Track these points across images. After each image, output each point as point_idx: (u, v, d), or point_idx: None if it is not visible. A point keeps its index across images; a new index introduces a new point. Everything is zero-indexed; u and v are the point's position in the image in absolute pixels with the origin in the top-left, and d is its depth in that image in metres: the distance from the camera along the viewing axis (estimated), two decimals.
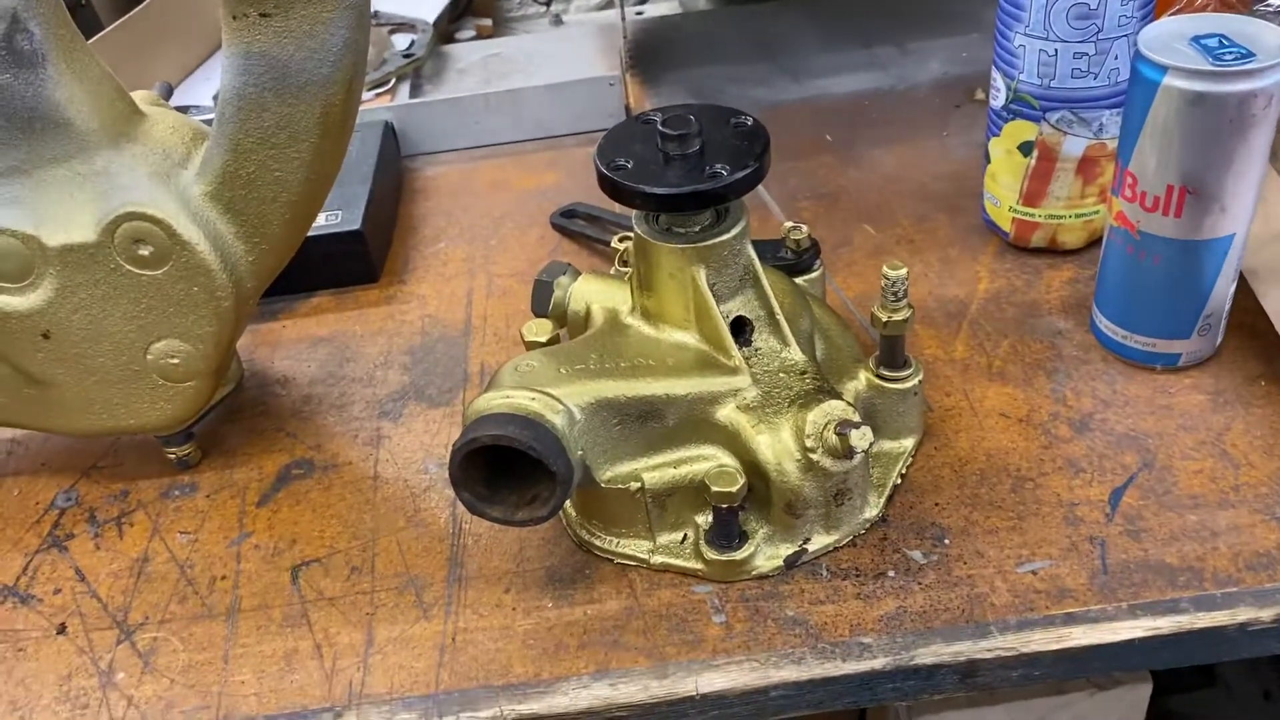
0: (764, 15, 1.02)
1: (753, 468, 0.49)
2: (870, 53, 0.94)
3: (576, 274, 0.58)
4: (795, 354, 0.51)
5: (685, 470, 0.50)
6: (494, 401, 0.47)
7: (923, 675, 0.46)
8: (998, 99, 0.64)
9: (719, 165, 0.48)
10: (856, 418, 0.48)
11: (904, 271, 0.51)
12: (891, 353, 0.53)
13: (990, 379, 0.59)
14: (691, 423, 0.50)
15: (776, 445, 0.48)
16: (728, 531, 0.49)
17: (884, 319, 0.51)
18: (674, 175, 0.48)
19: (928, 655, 0.46)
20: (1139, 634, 0.46)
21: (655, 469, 0.50)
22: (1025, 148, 0.63)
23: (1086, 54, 0.59)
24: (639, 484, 0.50)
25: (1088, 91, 0.60)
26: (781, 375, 0.51)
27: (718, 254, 0.50)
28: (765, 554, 0.50)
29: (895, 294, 0.51)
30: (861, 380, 0.53)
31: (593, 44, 0.94)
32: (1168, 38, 0.52)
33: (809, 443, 0.48)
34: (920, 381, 0.53)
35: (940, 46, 0.93)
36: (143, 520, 0.57)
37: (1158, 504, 0.51)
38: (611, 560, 0.52)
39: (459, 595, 0.51)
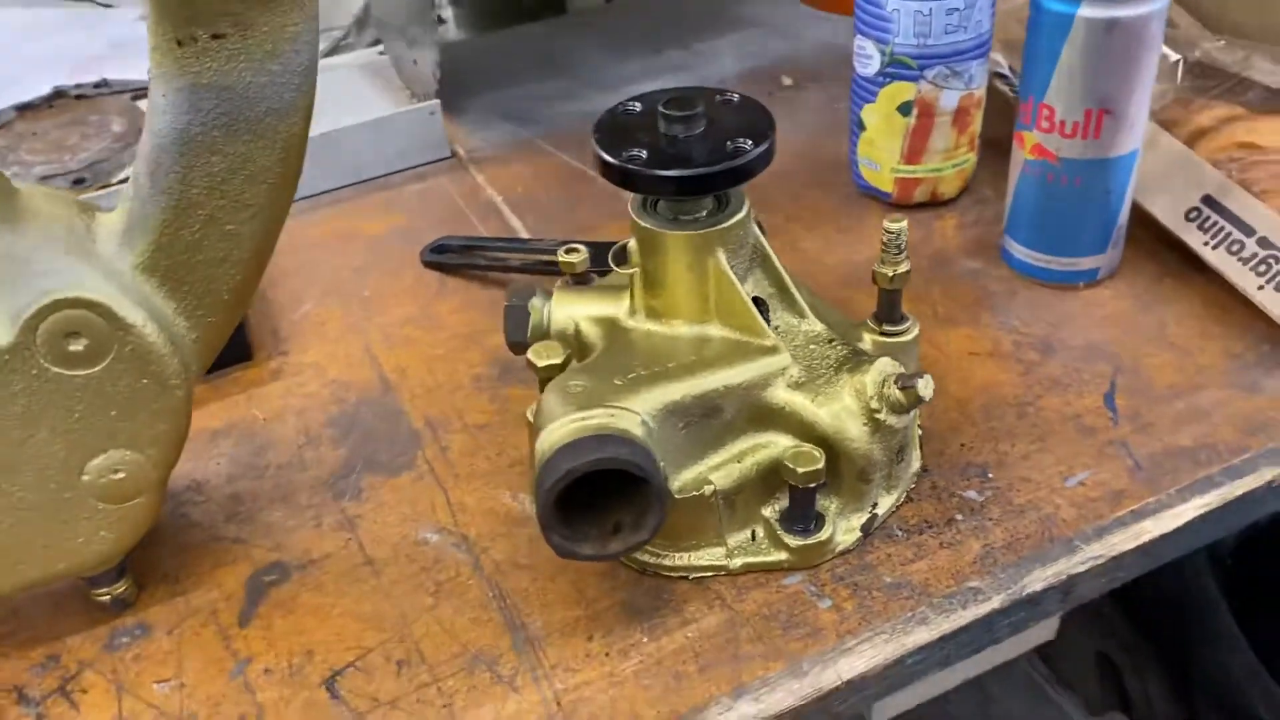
0: (543, 35, 1.00)
1: (819, 442, 0.47)
2: (663, 56, 0.95)
3: (546, 293, 0.54)
4: (815, 324, 0.51)
5: (750, 462, 0.48)
6: (570, 427, 0.42)
7: (1034, 603, 0.47)
8: (869, 66, 0.67)
9: (739, 140, 0.46)
10: (900, 368, 0.48)
11: (904, 223, 0.51)
12: (891, 308, 0.53)
13: (941, 325, 0.61)
14: (747, 412, 0.48)
15: (841, 414, 0.47)
16: (807, 514, 0.48)
17: (889, 274, 0.52)
18: (700, 155, 0.46)
19: (1036, 582, 0.47)
20: (1196, 513, 0.49)
21: (721, 468, 0.47)
22: (905, 108, 0.67)
23: (958, 9, 0.63)
24: (711, 486, 0.47)
25: (960, 45, 0.64)
26: (812, 347, 0.50)
27: (734, 235, 0.48)
28: (842, 528, 0.49)
29: (898, 247, 0.51)
30: (867, 340, 0.53)
31: (364, 80, 0.87)
32: None
33: (873, 404, 0.47)
34: (919, 330, 0.54)
35: (725, 45, 0.95)
36: (97, 682, 0.46)
37: (1146, 400, 0.55)
38: (686, 577, 0.48)
39: (539, 657, 0.45)
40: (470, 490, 0.54)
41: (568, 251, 0.57)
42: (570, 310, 0.52)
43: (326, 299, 0.69)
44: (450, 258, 0.71)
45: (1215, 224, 0.60)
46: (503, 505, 0.53)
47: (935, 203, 0.71)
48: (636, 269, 0.50)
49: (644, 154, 0.46)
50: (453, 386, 0.61)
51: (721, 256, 0.48)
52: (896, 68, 0.65)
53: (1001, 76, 0.72)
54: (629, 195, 0.49)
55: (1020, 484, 0.51)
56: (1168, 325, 0.59)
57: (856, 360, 0.48)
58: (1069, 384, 0.56)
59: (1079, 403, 0.55)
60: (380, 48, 0.91)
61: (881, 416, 0.47)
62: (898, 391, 0.47)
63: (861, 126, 0.69)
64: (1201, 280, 0.61)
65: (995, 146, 0.70)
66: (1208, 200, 0.60)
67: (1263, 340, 0.57)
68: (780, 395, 0.48)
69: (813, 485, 0.46)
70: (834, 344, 0.50)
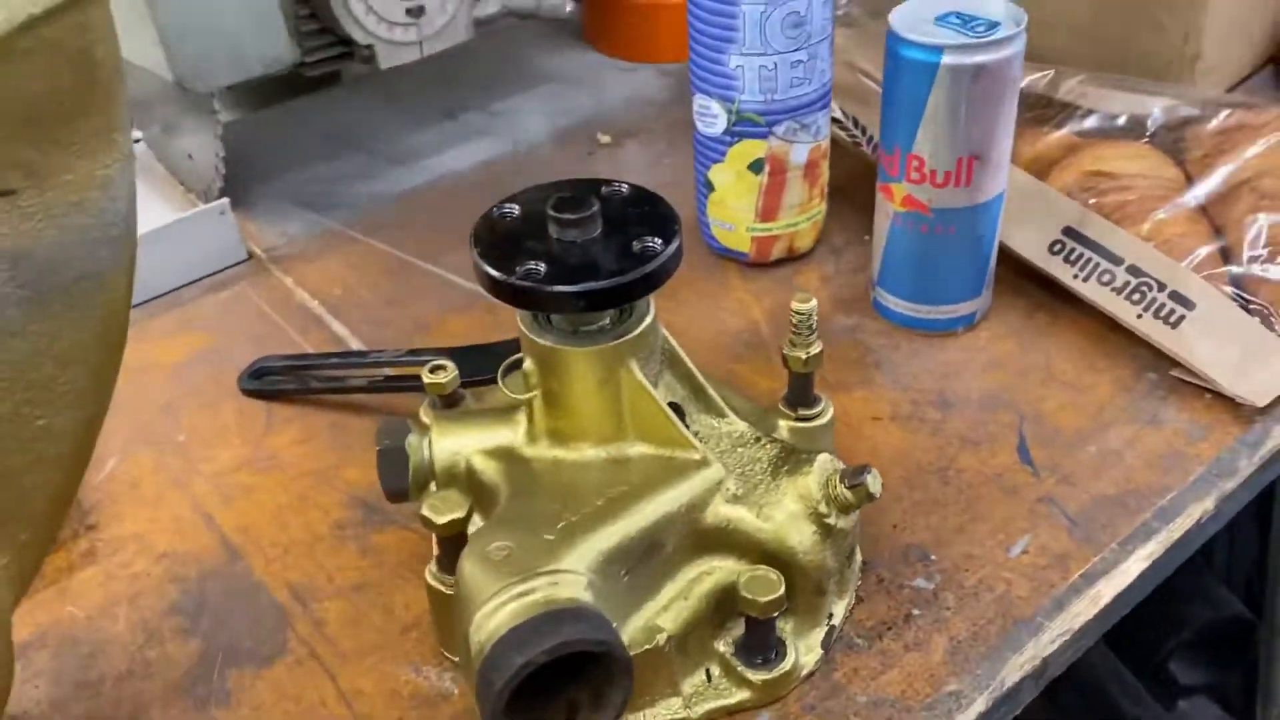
0: (323, 108, 0.91)
1: (768, 559, 0.43)
2: (460, 122, 0.88)
3: (419, 425, 0.47)
4: (737, 423, 0.46)
5: (698, 595, 0.42)
6: (510, 608, 0.36)
7: (1013, 696, 0.44)
8: (714, 125, 0.63)
9: (645, 238, 0.41)
10: (840, 464, 0.44)
11: (814, 303, 0.47)
12: (805, 391, 0.49)
13: (835, 391, 0.58)
14: (688, 540, 0.42)
15: (788, 525, 0.42)
16: (767, 643, 0.43)
17: (803, 357, 0.48)
18: (608, 262, 0.40)
19: (1012, 672, 0.44)
20: (1142, 565, 0.48)
21: (669, 609, 0.42)
22: (756, 166, 0.63)
23: (802, 61, 0.60)
24: (663, 633, 0.41)
25: (806, 97, 0.61)
26: (740, 451, 0.45)
27: (646, 343, 0.43)
28: (803, 650, 0.44)
29: (810, 328, 0.47)
30: (782, 428, 0.49)
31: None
32: (915, 23, 0.54)
33: (821, 508, 0.43)
34: (830, 419, 0.50)
35: (527, 104, 0.90)
36: None
37: (1058, 449, 0.53)
38: None
39: None
40: (363, 671, 0.46)
41: (433, 370, 0.50)
42: (456, 444, 0.45)
43: (133, 450, 0.58)
44: (274, 382, 0.61)
45: (1081, 255, 0.59)
46: (407, 683, 0.45)
47: (792, 258, 0.68)
48: (536, 392, 0.43)
49: (541, 267, 0.40)
50: (311, 541, 0.52)
51: (634, 367, 0.42)
52: (744, 125, 0.62)
53: (836, 121, 0.70)
54: (511, 308, 0.43)
55: (965, 562, 0.48)
56: (1053, 362, 0.59)
57: (791, 459, 0.44)
58: (979, 440, 0.54)
59: (995, 460, 0.53)
60: (135, 136, 0.80)
61: (831, 521, 0.43)
62: (845, 490, 0.42)
63: (710, 187, 0.65)
64: (1072, 311, 0.61)
65: (836, 191, 0.68)
66: (1069, 232, 0.60)
67: (1147, 368, 0.57)
68: (721, 513, 0.43)
69: (775, 614, 0.41)
70: (762, 443, 0.45)
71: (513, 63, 0.96)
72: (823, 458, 0.44)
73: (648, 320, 0.43)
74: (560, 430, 0.44)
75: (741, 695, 0.43)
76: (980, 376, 0.58)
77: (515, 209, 0.43)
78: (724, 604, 0.43)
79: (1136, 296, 0.57)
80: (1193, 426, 0.54)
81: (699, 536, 0.43)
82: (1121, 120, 0.64)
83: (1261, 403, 0.53)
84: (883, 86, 0.56)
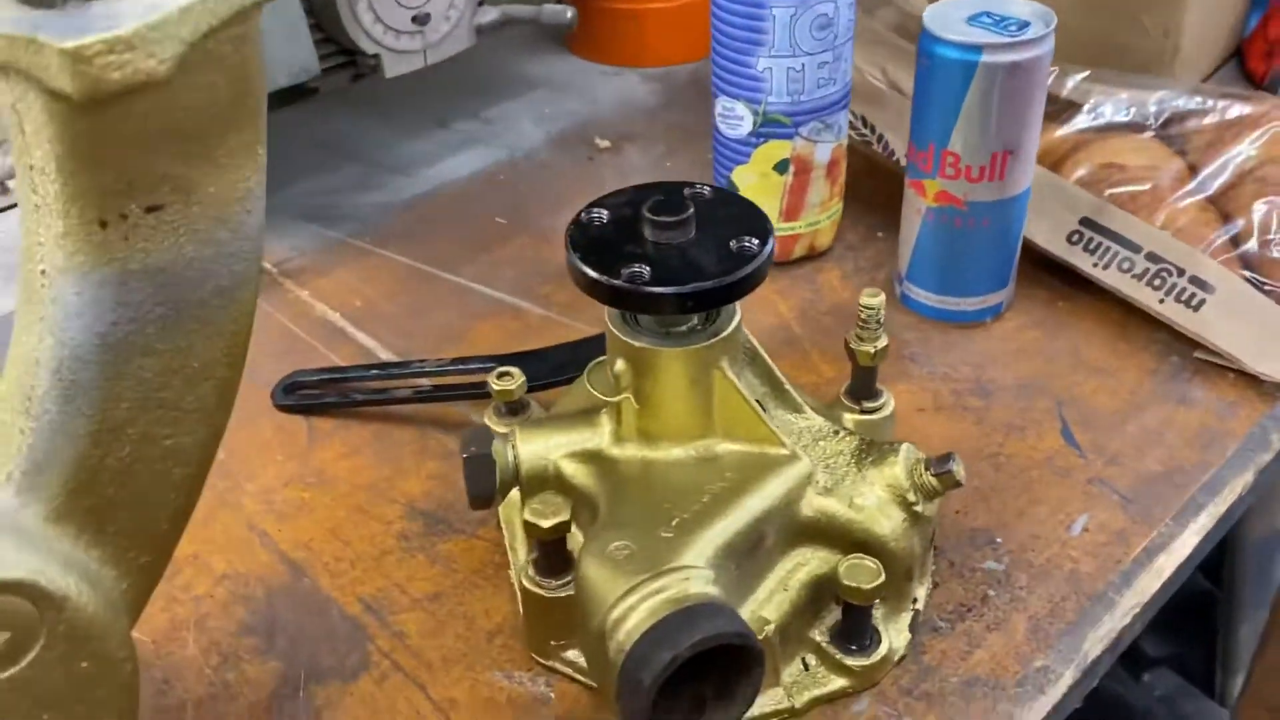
0: (311, 119, 0.90)
1: (858, 546, 0.44)
2: (453, 130, 0.87)
3: (500, 433, 0.47)
4: (814, 418, 0.47)
5: (796, 586, 0.43)
6: (647, 604, 0.36)
7: (1095, 669, 0.45)
8: (739, 128, 0.64)
9: (742, 238, 0.41)
10: (922, 453, 0.45)
11: (882, 297, 0.48)
12: (869, 383, 0.50)
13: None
14: (784, 532, 0.43)
15: (878, 513, 0.43)
16: (864, 630, 0.44)
17: (871, 350, 0.49)
18: (710, 263, 0.40)
19: (1093, 646, 0.45)
20: (1196, 538, 0.50)
21: (770, 600, 0.43)
22: (781, 166, 0.64)
23: (828, 62, 0.61)
24: (770, 625, 0.42)
25: (831, 97, 0.63)
26: (822, 444, 0.46)
27: (735, 343, 0.44)
28: (893, 635, 0.45)
29: (877, 321, 0.49)
30: (848, 420, 0.50)
31: None
32: (948, 23, 0.56)
33: (910, 496, 0.44)
34: (892, 410, 0.52)
35: (518, 111, 0.89)
36: None
37: (1100, 431, 0.55)
38: None
39: None
40: (452, 680, 0.46)
41: (500, 377, 0.50)
42: (542, 449, 0.46)
43: None
44: (310, 396, 0.61)
45: (1099, 245, 0.61)
46: (501, 690, 0.45)
47: (813, 256, 0.69)
48: (627, 393, 0.44)
49: (645, 270, 0.40)
50: (376, 554, 0.52)
51: (726, 367, 0.43)
52: (770, 127, 0.63)
53: None
54: (603, 307, 0.43)
55: (1031, 543, 0.50)
56: (1080, 349, 0.61)
57: (873, 451, 0.45)
58: (1024, 426, 0.56)
59: (1042, 445, 0.55)
60: None
61: (919, 508, 0.44)
62: (932, 479, 0.44)
63: (733, 188, 0.66)
64: (1090, 299, 0.63)
65: (846, 189, 0.69)
66: (1086, 222, 0.62)
67: (1169, 351, 0.60)
68: (815, 505, 0.44)
69: (875, 600, 0.42)
70: (841, 436, 0.46)
71: (498, 70, 0.96)
72: (906, 447, 0.45)
73: (736, 319, 0.43)
74: (649, 430, 0.44)
75: (840, 682, 0.44)
76: (1013, 365, 0.60)
77: (604, 213, 0.43)
78: (819, 594, 0.44)
79: (1157, 282, 0.59)
80: (1222, 404, 0.56)
81: (795, 528, 0.43)
82: (1125, 115, 0.67)
83: None
84: (915, 86, 0.57)
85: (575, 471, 0.45)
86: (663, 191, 0.43)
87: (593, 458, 0.45)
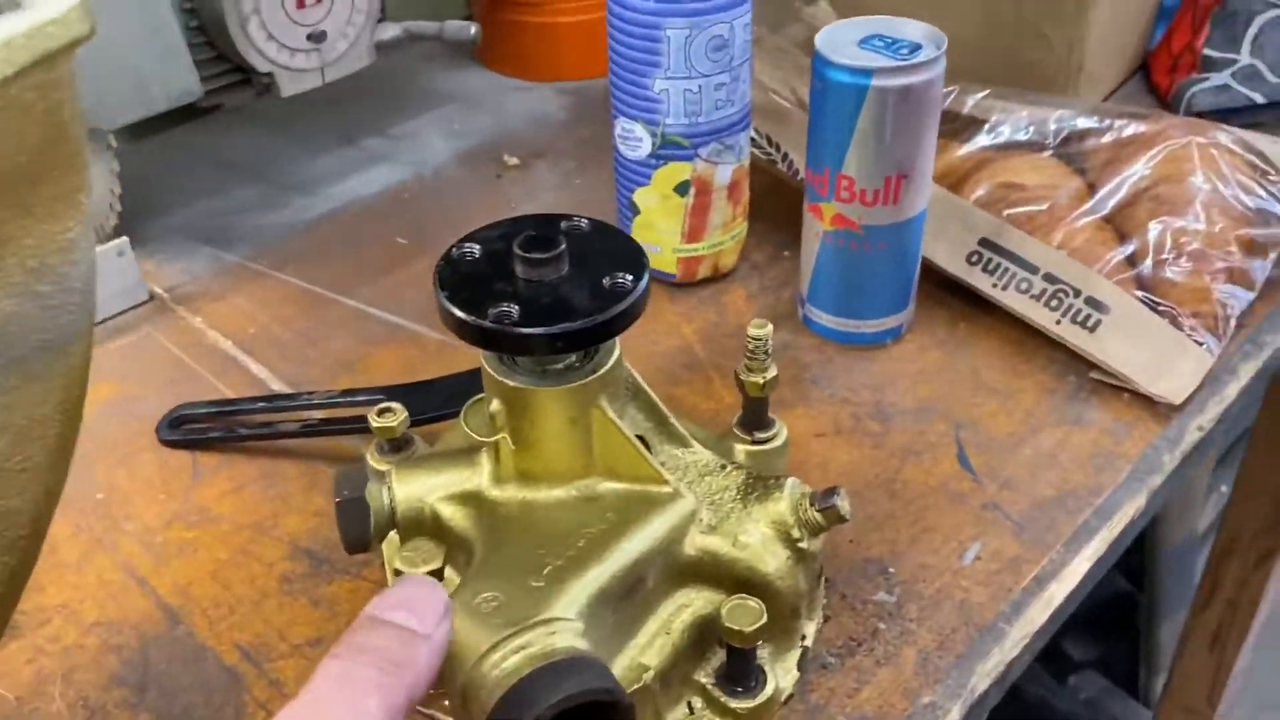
0: (211, 136, 0.87)
1: (742, 586, 0.43)
2: (358, 147, 0.86)
3: (375, 472, 0.45)
4: (702, 452, 0.46)
5: (679, 629, 0.42)
6: (511, 661, 0.35)
7: (982, 703, 0.45)
8: (639, 149, 0.63)
9: (615, 274, 0.40)
10: (807, 488, 0.44)
11: (769, 328, 0.48)
12: (760, 414, 0.50)
13: (776, 409, 0.58)
14: (665, 573, 0.42)
15: (763, 552, 0.43)
16: (749, 671, 0.43)
17: (760, 381, 0.48)
18: (582, 301, 0.39)
19: (980, 680, 0.45)
20: (1088, 564, 0.50)
21: (651, 645, 0.42)
22: (682, 188, 0.63)
23: (725, 84, 0.60)
24: (649, 672, 0.41)
25: (729, 119, 0.62)
26: (708, 480, 0.45)
27: (615, 378, 0.43)
28: (780, 674, 0.44)
29: (765, 352, 0.48)
30: (739, 452, 0.50)
31: None
32: (840, 46, 0.55)
33: (794, 532, 0.43)
34: (784, 440, 0.51)
35: (426, 126, 0.88)
36: None
37: (996, 454, 0.55)
38: None
39: None
40: None
41: (381, 413, 0.48)
42: (419, 490, 0.44)
43: None
44: (196, 430, 0.59)
45: (998, 265, 0.61)
46: None
47: (716, 277, 0.68)
48: (503, 433, 0.43)
49: (513, 309, 0.39)
50: (257, 598, 0.50)
51: (605, 404, 0.42)
52: (669, 148, 0.62)
53: (750, 140, 0.70)
54: (472, 348, 0.42)
55: (922, 572, 0.49)
56: (979, 371, 0.61)
57: (759, 486, 0.44)
58: (920, 450, 0.56)
59: (938, 470, 0.55)
60: None
61: (804, 544, 0.43)
62: (816, 514, 0.43)
63: (635, 210, 0.65)
64: (990, 319, 0.63)
65: (751, 206, 0.68)
66: (985, 243, 0.62)
67: (1067, 371, 0.60)
68: (698, 544, 0.43)
69: (758, 642, 0.41)
70: (728, 471, 0.45)
71: (407, 85, 0.94)
72: (792, 482, 0.44)
73: (615, 355, 0.42)
74: (528, 470, 0.43)
75: None
76: (913, 387, 0.60)
77: (476, 248, 0.42)
78: (704, 635, 0.43)
79: (1054, 303, 0.60)
80: (1116, 425, 0.56)
81: (677, 569, 0.43)
82: (1024, 134, 0.67)
83: (1178, 400, 0.56)
84: (810, 109, 0.57)
85: (453, 514, 0.43)
86: (536, 226, 0.42)
87: (471, 499, 0.44)
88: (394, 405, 0.48)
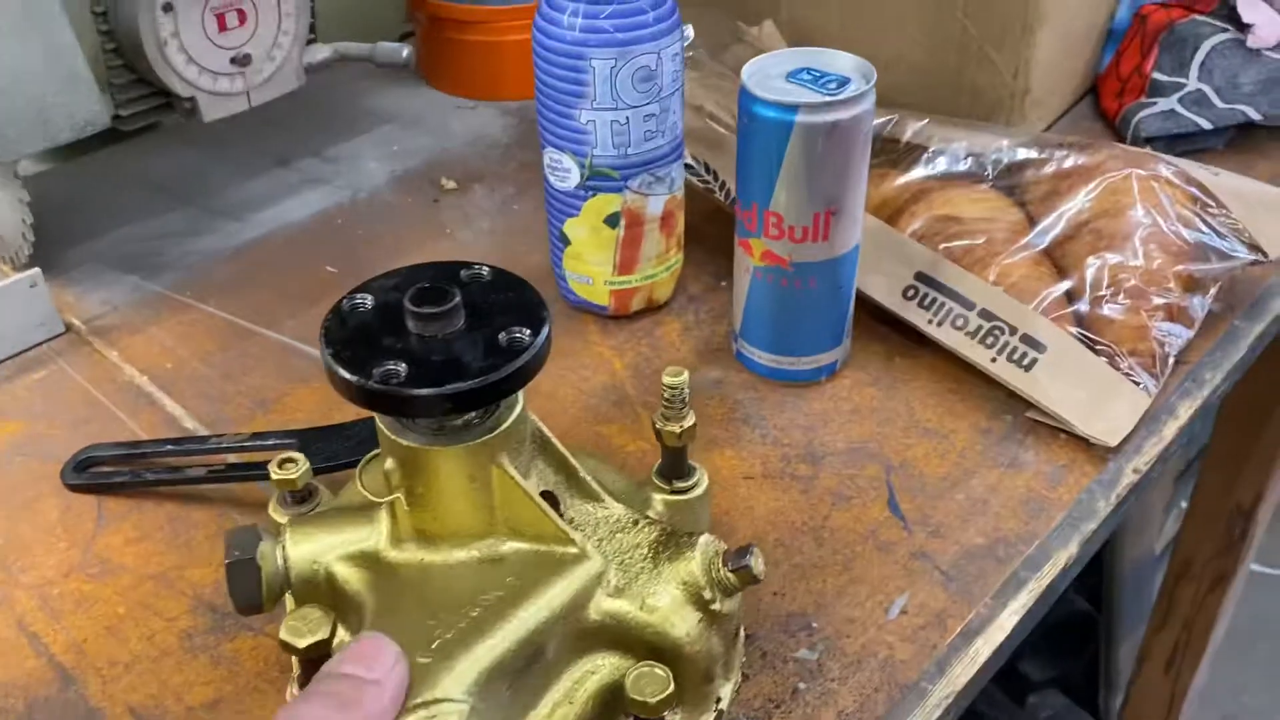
0: (140, 157, 0.85)
1: (652, 651, 0.41)
2: (293, 169, 0.83)
3: (271, 534, 0.43)
4: (614, 506, 0.44)
5: (583, 698, 0.41)
6: None
7: None
8: (568, 180, 0.61)
9: (513, 329, 0.39)
10: (722, 545, 0.43)
11: (685, 376, 0.46)
12: (679, 463, 0.48)
13: (705, 449, 0.57)
14: (569, 641, 0.40)
15: (673, 616, 0.41)
16: None
17: (677, 431, 0.46)
18: (475, 359, 0.37)
19: None
20: (1015, 619, 0.48)
21: (551, 718, 0.40)
22: (612, 220, 0.62)
23: (654, 115, 0.59)
24: None
25: (659, 150, 0.60)
26: (619, 537, 0.43)
27: (517, 435, 0.41)
28: None
29: (682, 401, 0.46)
30: (657, 501, 0.48)
31: None
32: (767, 80, 0.54)
33: (706, 594, 0.41)
34: (705, 489, 0.49)
35: (365, 147, 0.86)
36: None
37: (927, 498, 0.54)
38: None
39: None
40: None
41: (281, 465, 0.46)
42: (314, 551, 0.42)
43: None
44: (103, 474, 0.56)
45: (934, 300, 0.60)
46: None
47: (651, 309, 0.67)
48: (399, 493, 0.41)
49: (401, 367, 0.37)
50: (155, 655, 0.48)
51: (505, 462, 0.40)
52: (598, 180, 0.60)
53: (687, 166, 0.69)
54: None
55: (847, 627, 0.48)
56: (914, 409, 0.59)
57: (671, 543, 0.43)
58: (851, 495, 0.54)
59: (867, 516, 0.53)
60: None
61: (716, 606, 0.41)
62: (729, 574, 0.41)
63: (565, 241, 0.64)
64: (929, 355, 0.61)
65: (689, 232, 0.67)
66: (921, 277, 0.61)
67: (1003, 410, 0.59)
68: (603, 608, 0.41)
69: (664, 712, 0.40)
70: (640, 527, 0.43)
71: (348, 103, 0.92)
72: (704, 539, 0.42)
73: (517, 411, 0.41)
74: (426, 530, 0.41)
75: None
76: (846, 427, 0.58)
77: (368, 300, 0.40)
78: (613, 701, 0.41)
79: (990, 340, 0.58)
80: (1051, 469, 0.55)
81: (581, 635, 0.41)
82: (964, 164, 0.66)
83: (1113, 442, 0.55)
84: (738, 143, 0.55)
85: (348, 576, 0.42)
86: (433, 276, 0.40)
87: (368, 560, 0.42)
88: (295, 456, 0.46)
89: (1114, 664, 1.34)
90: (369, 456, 0.44)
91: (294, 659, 0.41)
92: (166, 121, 0.89)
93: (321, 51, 0.74)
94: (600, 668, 0.41)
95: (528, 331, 0.39)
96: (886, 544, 0.52)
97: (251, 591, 0.41)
